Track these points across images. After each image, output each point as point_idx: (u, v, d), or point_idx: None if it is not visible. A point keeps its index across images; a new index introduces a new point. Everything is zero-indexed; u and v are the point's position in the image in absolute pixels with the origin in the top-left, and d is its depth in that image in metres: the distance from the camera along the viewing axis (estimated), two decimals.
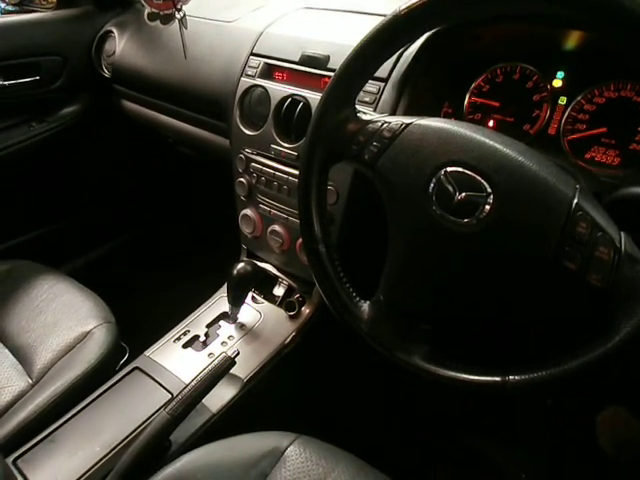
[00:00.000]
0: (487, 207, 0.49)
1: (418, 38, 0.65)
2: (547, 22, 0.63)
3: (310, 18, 0.96)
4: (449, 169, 0.51)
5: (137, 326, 0.98)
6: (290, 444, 0.64)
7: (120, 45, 1.19)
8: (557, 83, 0.70)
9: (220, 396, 0.79)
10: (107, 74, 1.23)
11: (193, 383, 0.70)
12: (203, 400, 0.71)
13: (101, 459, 0.70)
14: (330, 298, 0.61)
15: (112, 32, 1.22)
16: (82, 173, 1.44)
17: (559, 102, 0.70)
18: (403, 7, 0.52)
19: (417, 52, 0.73)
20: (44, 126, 1.25)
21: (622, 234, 0.46)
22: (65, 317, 0.92)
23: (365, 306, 0.60)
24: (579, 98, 0.68)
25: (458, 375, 0.52)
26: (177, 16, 0.96)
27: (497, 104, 0.75)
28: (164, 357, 0.86)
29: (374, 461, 0.64)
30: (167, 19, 0.97)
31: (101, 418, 0.76)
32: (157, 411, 0.75)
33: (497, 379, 0.49)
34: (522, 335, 0.81)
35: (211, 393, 0.71)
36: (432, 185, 0.52)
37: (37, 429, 0.74)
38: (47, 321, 0.92)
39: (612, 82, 0.66)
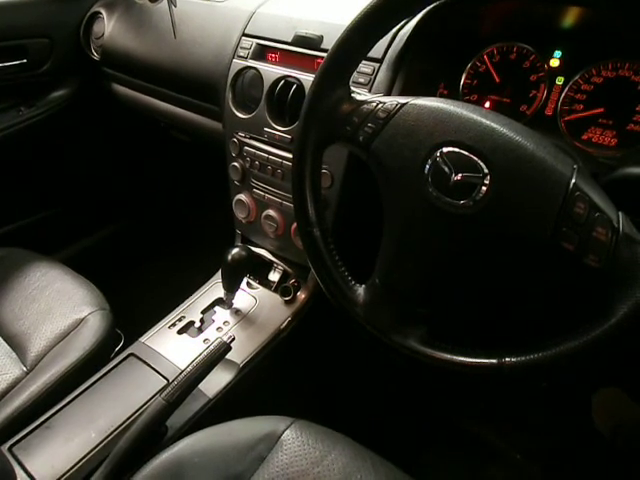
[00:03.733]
0: (484, 188, 0.48)
1: (414, 15, 0.64)
2: None
3: None
4: (445, 150, 0.50)
5: (132, 313, 0.98)
6: (287, 428, 0.65)
7: (109, 26, 1.17)
8: (554, 63, 0.69)
9: (216, 381, 0.79)
10: (96, 57, 1.21)
11: (189, 369, 0.69)
12: (199, 386, 0.70)
13: (97, 445, 0.70)
14: (325, 282, 0.61)
15: (100, 13, 1.19)
16: (74, 158, 1.42)
17: (556, 82, 0.69)
18: None
19: (412, 32, 0.71)
20: (33, 110, 1.22)
21: (620, 214, 0.46)
22: (59, 304, 0.91)
23: (361, 290, 0.59)
24: (576, 78, 0.67)
25: (455, 358, 0.52)
26: None
27: (494, 84, 0.74)
28: (159, 343, 0.85)
29: (371, 444, 0.65)
30: None
31: (97, 404, 0.76)
32: (153, 397, 0.75)
33: (494, 361, 0.49)
34: (519, 317, 0.82)
35: (207, 379, 0.71)
36: (428, 166, 0.51)
37: (32, 416, 0.74)
38: (40, 309, 0.91)
39: (610, 61, 0.65)
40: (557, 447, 1.07)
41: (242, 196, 0.94)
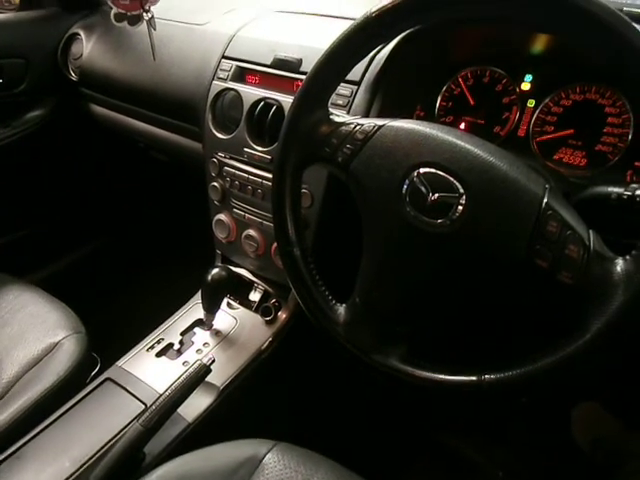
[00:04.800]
0: (460, 207, 0.49)
1: (390, 40, 0.65)
2: (515, 25, 0.65)
3: (282, 21, 0.96)
4: (422, 170, 0.51)
5: (109, 336, 0.95)
6: (268, 451, 0.63)
7: (87, 48, 1.17)
8: (525, 86, 0.72)
9: (196, 405, 0.77)
10: (74, 77, 1.20)
11: (167, 392, 0.68)
12: (178, 410, 0.69)
13: (71, 475, 0.67)
14: (305, 302, 0.61)
15: (79, 34, 1.19)
16: (49, 179, 1.40)
17: (528, 104, 0.72)
18: (374, 9, 0.52)
19: (389, 55, 0.73)
20: (8, 131, 1.21)
21: (591, 232, 0.48)
22: (32, 328, 0.89)
23: (341, 309, 0.59)
24: (547, 101, 0.70)
25: (435, 376, 0.53)
26: (145, 17, 0.94)
27: (468, 107, 0.76)
28: (137, 367, 0.83)
29: (354, 466, 0.64)
30: (135, 20, 0.95)
31: (71, 432, 0.73)
32: (130, 423, 0.73)
33: (473, 378, 0.50)
34: (498, 334, 0.83)
35: (186, 402, 0.69)
36: (405, 186, 0.52)
37: (2, 446, 0.71)
38: (12, 333, 0.88)
39: (577, 85, 0.67)
40: (538, 463, 1.07)
41: (222, 216, 0.94)
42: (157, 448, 0.71)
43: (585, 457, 1.05)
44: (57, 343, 0.86)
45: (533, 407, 1.07)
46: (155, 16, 0.96)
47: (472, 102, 0.75)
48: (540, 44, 0.68)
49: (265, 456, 0.63)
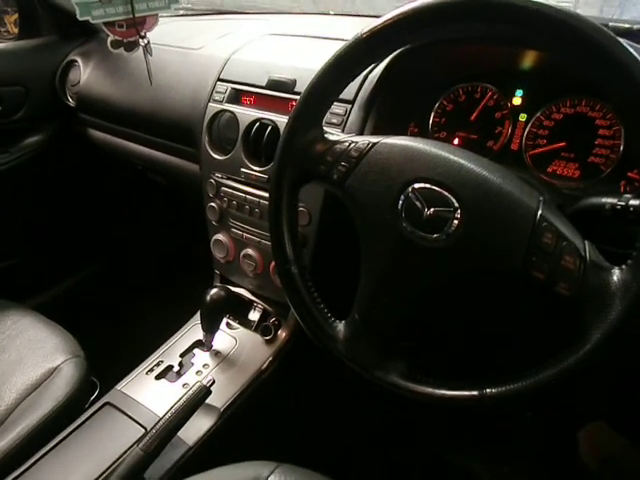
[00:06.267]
0: (455, 221, 0.50)
1: (381, 60, 0.67)
2: (504, 43, 0.66)
3: (275, 44, 0.98)
4: (417, 185, 0.52)
5: (108, 360, 0.95)
6: (271, 473, 0.62)
7: (85, 74, 1.18)
8: (517, 101, 0.73)
9: (196, 428, 0.76)
10: (72, 103, 1.22)
11: (167, 416, 0.67)
12: (178, 433, 0.68)
13: None
14: (305, 320, 0.60)
15: (76, 61, 1.21)
16: (48, 203, 1.40)
17: (519, 119, 0.72)
18: (365, 30, 0.53)
19: (381, 75, 0.74)
20: (7, 157, 1.22)
21: (586, 243, 0.48)
22: (30, 353, 0.88)
23: (340, 326, 0.59)
24: (538, 114, 0.71)
25: (436, 391, 0.52)
26: (141, 43, 0.96)
27: (461, 122, 0.77)
28: (136, 390, 0.82)
29: None
30: (131, 46, 0.97)
31: (70, 459, 0.72)
32: (130, 448, 0.72)
33: (475, 393, 0.49)
34: (497, 348, 0.82)
35: (187, 425, 0.68)
36: (401, 202, 0.52)
37: (2, 474, 0.70)
38: (11, 359, 0.88)
39: (568, 98, 0.69)
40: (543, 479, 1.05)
41: (220, 236, 0.94)
42: (158, 473, 0.70)
43: (593, 477, 1.03)
44: (56, 368, 0.85)
45: (539, 424, 1.06)
46: (151, 42, 0.98)
47: (468, 117, 0.76)
48: (530, 59, 0.69)
49: (267, 478, 0.62)
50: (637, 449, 1.01)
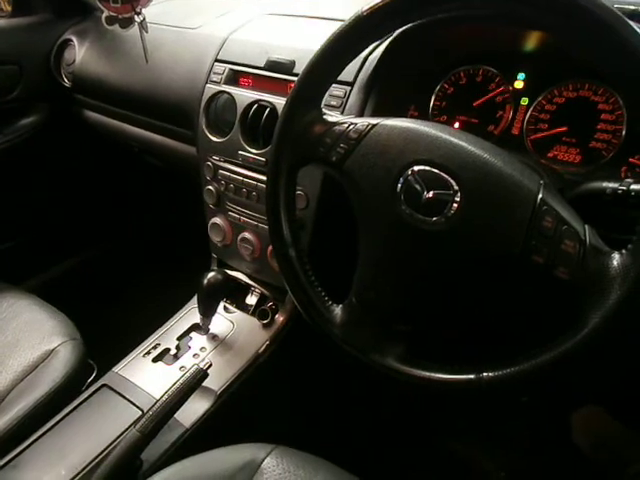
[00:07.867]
0: (455, 205, 0.49)
1: (381, 38, 0.65)
2: (508, 23, 0.65)
3: (274, 24, 0.96)
4: (416, 168, 0.51)
5: (105, 342, 0.95)
6: (267, 455, 0.63)
7: (80, 53, 1.16)
8: (518, 84, 0.72)
9: (193, 410, 0.76)
10: (67, 83, 1.20)
11: (164, 398, 0.67)
12: (175, 415, 0.68)
13: None
14: (302, 303, 0.60)
15: (71, 40, 1.19)
16: (43, 186, 1.39)
17: (521, 103, 0.72)
18: (366, 8, 0.52)
19: (381, 56, 0.73)
20: (1, 138, 1.20)
21: (586, 227, 0.47)
22: (27, 336, 0.88)
23: (338, 310, 0.59)
24: (540, 98, 0.70)
25: (433, 375, 0.52)
26: (137, 20, 0.94)
27: (462, 106, 0.76)
28: (133, 373, 0.82)
29: (354, 469, 0.63)
30: (126, 23, 0.95)
31: (67, 440, 0.72)
32: (127, 429, 0.72)
33: (472, 377, 0.49)
34: (496, 331, 0.82)
35: (183, 408, 0.69)
36: (400, 184, 0.52)
37: None
38: (7, 341, 0.88)
39: (570, 82, 0.68)
40: (540, 464, 1.06)
41: (217, 219, 0.93)
42: (154, 454, 0.71)
43: (586, 459, 1.04)
44: (53, 350, 0.85)
45: (534, 408, 1.07)
46: (148, 21, 0.96)
47: (469, 101, 0.75)
48: (532, 42, 0.68)
49: (264, 460, 0.62)
50: (631, 432, 1.03)
